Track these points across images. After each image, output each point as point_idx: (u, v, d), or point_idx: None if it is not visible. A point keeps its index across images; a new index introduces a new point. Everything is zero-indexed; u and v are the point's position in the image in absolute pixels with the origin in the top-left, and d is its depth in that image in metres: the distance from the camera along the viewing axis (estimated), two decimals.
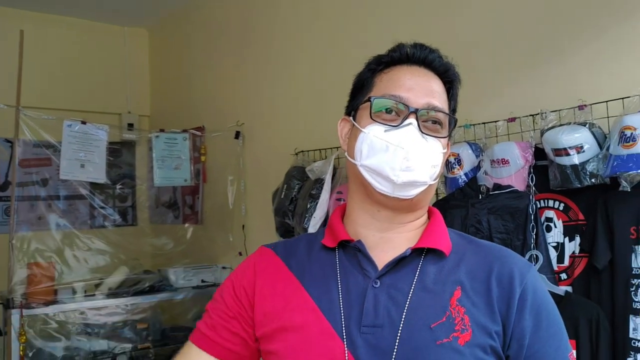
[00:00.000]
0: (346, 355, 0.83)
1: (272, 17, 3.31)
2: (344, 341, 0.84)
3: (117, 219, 3.70)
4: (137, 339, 3.07)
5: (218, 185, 3.61)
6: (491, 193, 1.96)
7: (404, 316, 0.85)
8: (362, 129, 0.91)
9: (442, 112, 0.91)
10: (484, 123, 2.07)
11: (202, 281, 3.27)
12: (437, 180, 0.93)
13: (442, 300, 0.86)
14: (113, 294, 3.01)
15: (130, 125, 4.36)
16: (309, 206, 2.52)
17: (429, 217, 0.99)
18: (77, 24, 4.25)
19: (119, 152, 3.89)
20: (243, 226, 3.38)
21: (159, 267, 3.49)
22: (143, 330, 3.10)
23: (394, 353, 0.82)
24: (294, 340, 0.87)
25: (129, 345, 3.03)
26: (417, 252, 0.91)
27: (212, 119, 3.73)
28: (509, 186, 1.91)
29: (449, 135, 0.94)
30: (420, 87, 0.91)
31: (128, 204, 4.34)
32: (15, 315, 2.63)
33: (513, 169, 1.92)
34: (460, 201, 2.04)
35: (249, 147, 3.44)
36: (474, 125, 2.10)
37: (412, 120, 0.88)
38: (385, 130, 0.89)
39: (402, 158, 0.86)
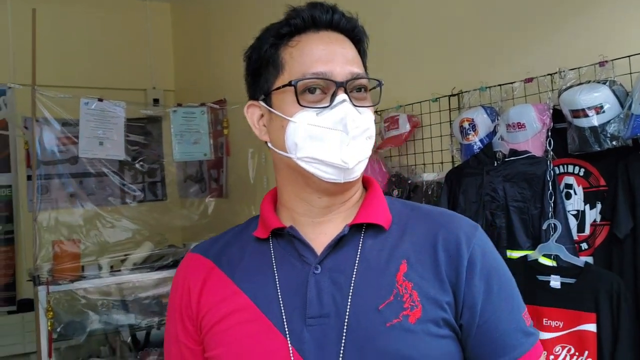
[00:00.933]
0: (290, 352, 0.77)
1: None
2: (286, 337, 0.78)
3: (140, 195, 3.73)
4: (163, 312, 3.11)
5: (241, 158, 3.58)
6: (507, 159, 1.85)
7: (349, 301, 0.78)
8: (290, 119, 0.81)
9: (367, 78, 0.84)
10: (499, 85, 1.94)
11: None
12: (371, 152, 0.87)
13: (387, 277, 0.80)
14: (138, 268, 3.05)
15: (156, 101, 4.37)
16: None
17: (366, 188, 0.91)
18: (97, 1, 4.25)
19: (145, 129, 3.91)
20: None
21: (185, 241, 3.52)
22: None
23: (343, 343, 0.76)
24: (233, 344, 0.81)
25: (155, 319, 3.08)
26: (356, 229, 0.84)
27: (234, 92, 3.68)
28: (526, 151, 1.80)
29: (377, 103, 0.88)
30: (338, 57, 0.82)
31: (157, 179, 4.38)
32: (42, 292, 2.70)
33: (530, 133, 1.79)
34: (475, 169, 1.94)
35: None
36: (489, 87, 1.98)
37: (343, 95, 0.80)
38: (318, 114, 0.80)
39: (348, 141, 0.79)
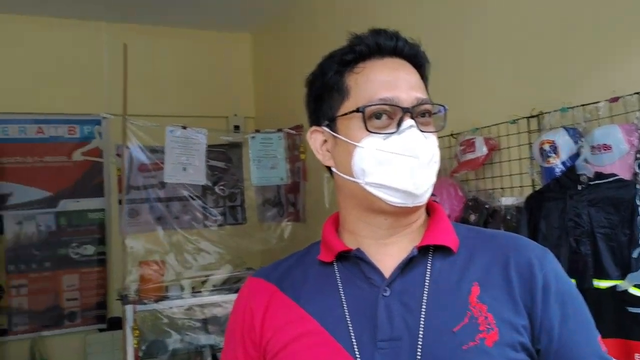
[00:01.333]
0: None
1: (365, 15, 3.26)
2: (356, 358, 0.77)
3: (221, 219, 3.85)
4: None
5: (317, 182, 3.63)
6: (592, 183, 1.75)
7: (422, 323, 0.77)
8: (357, 144, 0.82)
9: (432, 103, 0.85)
10: (582, 105, 1.86)
11: None
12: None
13: (460, 299, 0.78)
14: (217, 290, 3.14)
15: (236, 127, 4.54)
16: None
17: (429, 213, 0.90)
18: (183, 34, 4.50)
19: (226, 154, 4.06)
20: None
21: (263, 264, 3.60)
22: None
23: None
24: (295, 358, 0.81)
25: None
26: (424, 252, 0.83)
27: None
28: (613, 174, 1.70)
29: (443, 127, 0.88)
30: (402, 82, 0.82)
31: (237, 203, 4.52)
32: (129, 311, 2.84)
33: (616, 155, 1.70)
34: (557, 193, 1.85)
35: None
36: (571, 108, 1.89)
37: (410, 121, 0.80)
38: (385, 139, 0.81)
39: (417, 166, 0.80)
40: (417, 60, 0.87)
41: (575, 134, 1.86)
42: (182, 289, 3.10)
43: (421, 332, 0.76)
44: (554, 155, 1.89)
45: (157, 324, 3.00)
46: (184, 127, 3.11)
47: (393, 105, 0.81)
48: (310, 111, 0.93)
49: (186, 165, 3.08)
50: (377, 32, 0.86)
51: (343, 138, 0.84)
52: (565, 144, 1.87)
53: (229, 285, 3.19)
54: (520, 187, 2.14)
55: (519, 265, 0.80)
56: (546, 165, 1.92)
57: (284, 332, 0.84)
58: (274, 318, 0.86)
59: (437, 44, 2.63)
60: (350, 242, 0.86)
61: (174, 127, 3.08)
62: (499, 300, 0.78)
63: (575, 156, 1.85)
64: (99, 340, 3.99)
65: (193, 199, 3.35)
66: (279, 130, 3.57)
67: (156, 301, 2.95)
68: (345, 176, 0.85)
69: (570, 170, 1.83)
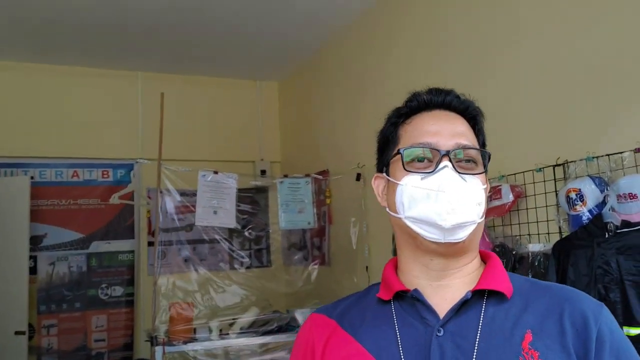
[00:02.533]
0: None
1: (385, 64, 3.38)
2: None
3: (248, 261, 3.91)
4: None
5: (342, 227, 3.68)
6: (619, 231, 1.78)
7: None
8: (399, 182, 0.89)
9: (473, 148, 0.89)
10: (608, 155, 1.91)
11: None
12: (483, 219, 0.89)
13: (512, 344, 0.80)
14: (244, 333, 3.17)
15: (263, 172, 4.65)
16: None
17: (485, 261, 0.94)
18: (213, 82, 4.69)
19: (252, 198, 4.16)
20: (367, 267, 3.40)
21: (288, 307, 3.63)
22: None
23: None
24: None
25: None
26: (478, 296, 0.87)
27: (336, 163, 3.85)
28: None
29: (485, 171, 0.91)
30: (446, 130, 0.89)
31: (262, 246, 4.59)
32: (158, 352, 2.88)
33: None
34: (585, 240, 1.88)
35: (370, 188, 3.48)
36: (596, 157, 1.95)
37: (446, 162, 0.86)
38: (422, 178, 0.87)
39: (446, 202, 0.84)
40: (468, 112, 0.94)
41: (601, 182, 1.90)
42: (210, 331, 3.14)
43: None
44: (580, 203, 1.93)
45: None
46: (216, 172, 3.22)
47: (432, 148, 0.88)
48: (377, 160, 1.01)
49: (217, 209, 3.17)
50: (430, 90, 0.94)
51: (391, 179, 0.92)
52: (591, 192, 1.91)
53: (255, 328, 3.22)
54: (547, 234, 2.17)
55: (573, 317, 0.82)
56: (573, 212, 1.96)
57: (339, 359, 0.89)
58: (334, 352, 0.90)
59: (463, 91, 2.72)
60: (408, 283, 0.91)
61: (206, 172, 3.19)
62: (552, 349, 0.79)
63: (602, 204, 1.88)
64: None
65: (222, 241, 3.43)
66: (307, 175, 3.65)
67: (185, 343, 2.99)
68: (391, 213, 0.92)
69: (597, 218, 1.87)
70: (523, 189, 2.28)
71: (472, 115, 0.94)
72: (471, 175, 0.87)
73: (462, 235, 0.86)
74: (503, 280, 0.88)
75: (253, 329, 3.21)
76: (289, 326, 3.28)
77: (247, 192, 3.90)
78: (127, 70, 4.39)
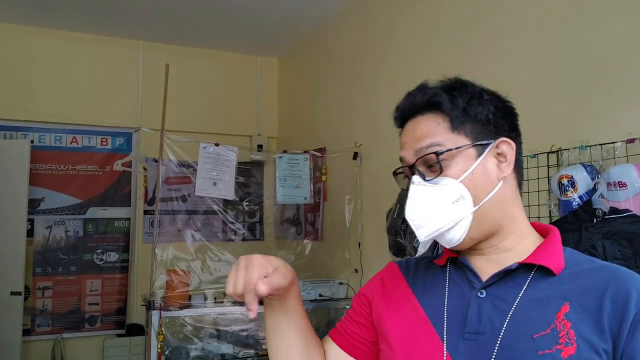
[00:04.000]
0: (444, 355, 0.89)
1: (385, 44, 3.43)
2: (443, 343, 0.90)
3: (245, 233, 3.99)
4: (258, 346, 3.29)
5: (337, 203, 3.77)
6: (607, 217, 1.88)
7: (506, 324, 0.86)
8: None
9: (428, 154, 0.91)
10: (600, 144, 2.00)
11: (320, 295, 3.43)
12: (481, 205, 0.90)
13: (548, 313, 0.85)
14: (239, 302, 3.25)
15: (260, 147, 4.71)
16: None
17: (545, 236, 0.98)
18: (214, 55, 4.71)
19: (249, 171, 4.22)
20: (359, 244, 3.50)
21: None
22: (264, 338, 3.31)
23: (492, 359, 0.85)
24: (398, 334, 0.96)
25: (251, 352, 3.26)
26: (527, 268, 0.91)
27: (333, 141, 3.92)
28: (627, 210, 1.83)
29: (483, 144, 0.93)
30: (409, 141, 0.95)
31: (256, 219, 4.67)
32: (155, 316, 2.97)
33: (631, 192, 1.83)
34: (574, 224, 1.97)
35: (365, 167, 3.56)
36: (589, 146, 2.04)
37: (414, 178, 0.93)
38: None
39: (408, 219, 0.93)
40: (431, 104, 0.94)
41: (593, 170, 2.00)
42: (205, 298, 3.23)
43: (503, 331, 0.86)
44: (571, 189, 2.02)
45: (181, 330, 3.12)
46: (217, 144, 3.28)
47: (404, 165, 0.96)
48: None
49: (216, 180, 3.23)
50: (405, 97, 0.99)
51: None
52: (582, 180, 2.00)
53: None
54: (538, 217, 2.27)
55: (616, 294, 0.84)
56: (564, 198, 2.05)
57: (394, 305, 1.01)
58: (391, 295, 1.03)
59: (464, 78, 2.78)
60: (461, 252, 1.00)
61: (207, 144, 3.25)
62: (585, 322, 0.83)
63: (592, 191, 1.98)
64: (117, 344, 4.11)
65: (221, 212, 3.50)
66: (305, 151, 3.72)
67: (181, 308, 3.08)
68: None
69: (587, 204, 1.96)
70: None
71: (434, 104, 0.94)
72: (438, 178, 0.91)
73: (456, 236, 0.91)
74: (554, 257, 0.91)
75: None
76: None
77: (245, 165, 3.96)
78: (129, 39, 4.40)
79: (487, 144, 0.93)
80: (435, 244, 2.70)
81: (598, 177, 1.96)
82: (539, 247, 0.93)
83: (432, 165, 0.92)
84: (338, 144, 3.79)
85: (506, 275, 0.91)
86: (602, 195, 1.93)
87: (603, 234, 1.86)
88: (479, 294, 0.91)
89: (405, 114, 0.98)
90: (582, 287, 0.87)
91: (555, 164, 2.19)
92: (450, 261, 1.00)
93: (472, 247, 0.95)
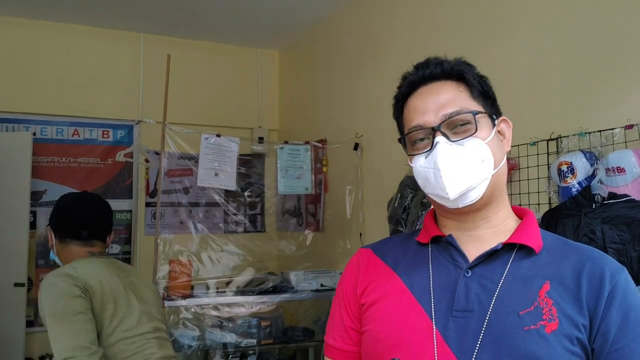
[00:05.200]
0: (434, 333, 0.91)
1: (386, 36, 3.44)
2: (432, 321, 0.92)
3: (247, 224, 4.01)
4: (260, 335, 3.32)
5: (338, 194, 3.79)
6: (606, 202, 1.90)
7: (493, 302, 0.90)
8: (410, 164, 1.00)
9: (458, 114, 0.94)
10: (599, 131, 2.02)
11: (321, 285, 3.46)
12: (499, 169, 0.96)
13: (531, 291, 0.90)
14: (241, 291, 3.29)
15: (261, 139, 4.72)
16: (420, 214, 2.59)
17: (521, 217, 1.02)
18: (215, 48, 4.72)
19: (250, 163, 4.24)
20: (360, 234, 3.52)
21: (282, 269, 3.75)
22: (266, 327, 3.34)
23: (481, 336, 0.88)
24: (386, 314, 0.97)
25: (253, 341, 3.29)
26: (509, 248, 0.96)
27: (333, 132, 3.94)
28: (625, 195, 1.85)
29: (492, 117, 0.98)
30: (431, 105, 0.96)
31: (257, 211, 4.69)
32: None
33: (629, 178, 1.85)
34: (573, 210, 1.99)
35: (366, 158, 3.58)
36: (588, 133, 2.06)
37: (438, 138, 0.94)
38: (425, 157, 0.96)
39: (442, 177, 0.93)
40: (453, 74, 0.98)
41: (592, 157, 2.02)
42: (207, 288, 3.25)
43: (490, 309, 0.90)
44: (571, 175, 2.04)
45: (183, 320, 3.15)
46: (218, 135, 3.29)
47: (423, 128, 0.96)
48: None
49: (218, 171, 3.25)
50: (415, 67, 1.02)
51: (409, 160, 1.03)
52: (582, 166, 2.02)
53: (251, 287, 3.34)
54: (538, 204, 2.29)
55: (592, 274, 0.90)
56: (563, 184, 2.07)
57: (377, 288, 1.01)
58: (377, 283, 1.03)
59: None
60: (444, 230, 1.02)
61: (208, 135, 3.26)
62: (566, 300, 0.88)
63: (591, 177, 2.00)
64: None
65: (223, 203, 3.52)
66: (306, 142, 3.74)
67: (184, 298, 3.11)
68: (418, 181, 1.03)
69: (586, 189, 1.98)
70: (517, 161, 2.39)
71: (458, 75, 0.99)
72: (467, 139, 0.94)
73: (474, 196, 0.95)
74: (534, 237, 0.96)
75: (249, 288, 3.33)
76: (282, 286, 3.40)
77: (246, 157, 3.98)
78: (130, 32, 4.41)
79: (496, 118, 1.00)
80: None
81: (597, 164, 1.99)
82: (519, 227, 0.99)
83: (461, 125, 0.95)
84: (339, 135, 3.80)
85: (491, 255, 0.95)
86: (601, 181, 1.95)
87: (602, 219, 1.88)
88: (465, 274, 0.94)
89: (416, 83, 1.00)
90: (561, 267, 0.92)
91: (554, 151, 2.21)
92: (433, 240, 1.02)
93: (467, 218, 0.98)
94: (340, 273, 3.59)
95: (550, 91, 2.31)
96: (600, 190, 1.94)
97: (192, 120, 4.27)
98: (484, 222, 0.99)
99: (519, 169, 2.38)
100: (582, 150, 2.05)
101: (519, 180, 2.39)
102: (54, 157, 4.21)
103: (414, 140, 0.98)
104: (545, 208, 2.21)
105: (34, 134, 4.10)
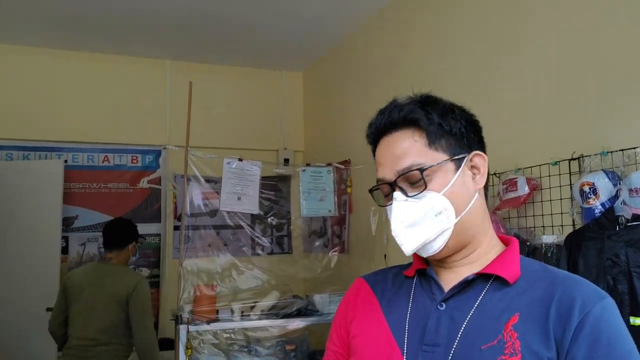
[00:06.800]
0: None
1: (406, 56, 3.43)
2: (403, 355, 0.92)
3: (270, 247, 4.02)
4: (286, 359, 3.30)
5: (362, 215, 3.76)
6: (629, 224, 1.83)
7: (459, 336, 0.90)
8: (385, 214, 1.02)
9: (410, 169, 0.93)
10: (622, 150, 1.95)
11: None
12: (462, 216, 0.94)
13: (498, 324, 0.88)
14: (265, 315, 3.28)
15: (286, 161, 4.75)
16: None
17: (507, 245, 1.01)
18: (239, 72, 4.80)
19: (275, 186, 4.26)
20: (385, 255, 3.48)
21: (307, 292, 3.73)
22: (291, 351, 3.32)
23: None
24: (365, 349, 0.98)
25: None
26: (484, 278, 0.95)
27: (357, 153, 3.92)
28: None
29: (457, 158, 0.95)
30: (388, 160, 0.96)
31: (283, 233, 4.70)
32: (182, 331, 3.01)
33: None
34: (596, 233, 1.93)
35: None
36: (611, 152, 1.99)
37: (395, 194, 0.94)
38: (389, 210, 0.97)
39: (397, 231, 0.94)
40: (408, 120, 0.96)
41: (614, 177, 1.95)
42: (232, 312, 3.26)
43: (456, 343, 0.89)
44: (593, 196, 1.98)
45: (208, 344, 3.16)
46: (240, 159, 3.32)
47: (383, 183, 0.97)
48: None
49: (241, 195, 3.27)
50: (380, 112, 1.00)
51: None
52: (604, 187, 1.96)
53: (275, 311, 3.33)
54: (561, 226, 2.22)
55: (560, 302, 0.86)
56: (586, 205, 2.01)
57: (361, 320, 1.03)
58: (362, 312, 1.05)
59: (484, 86, 2.78)
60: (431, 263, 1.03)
61: (230, 159, 3.30)
62: (533, 332, 0.85)
63: (614, 198, 1.93)
64: None
65: (244, 227, 3.54)
66: (329, 164, 3.74)
67: (208, 323, 3.12)
68: None
69: (609, 211, 1.92)
70: (539, 181, 2.33)
71: (411, 120, 0.96)
72: (422, 193, 0.93)
73: (435, 248, 0.95)
74: (511, 266, 0.94)
75: (273, 311, 3.32)
76: (307, 310, 3.38)
77: (270, 179, 4.00)
78: (156, 58, 4.52)
79: (463, 158, 0.96)
80: None
81: (620, 184, 1.92)
82: (497, 257, 0.97)
83: (415, 181, 0.94)
84: (363, 156, 3.78)
85: (466, 286, 0.94)
86: (624, 202, 1.88)
87: (626, 242, 1.82)
88: (438, 307, 0.94)
89: (379, 131, 1.00)
90: (533, 297, 0.90)
91: (577, 171, 2.15)
92: (419, 273, 1.02)
93: (445, 259, 0.97)
94: None
95: (571, 110, 2.26)
96: (624, 211, 1.87)
97: (218, 143, 4.34)
98: (463, 259, 0.98)
99: (541, 189, 2.32)
100: (604, 170, 1.99)
101: (542, 201, 2.33)
102: (85, 183, 4.32)
103: (377, 196, 1.01)
104: (568, 230, 2.15)
105: (66, 161, 4.22)
